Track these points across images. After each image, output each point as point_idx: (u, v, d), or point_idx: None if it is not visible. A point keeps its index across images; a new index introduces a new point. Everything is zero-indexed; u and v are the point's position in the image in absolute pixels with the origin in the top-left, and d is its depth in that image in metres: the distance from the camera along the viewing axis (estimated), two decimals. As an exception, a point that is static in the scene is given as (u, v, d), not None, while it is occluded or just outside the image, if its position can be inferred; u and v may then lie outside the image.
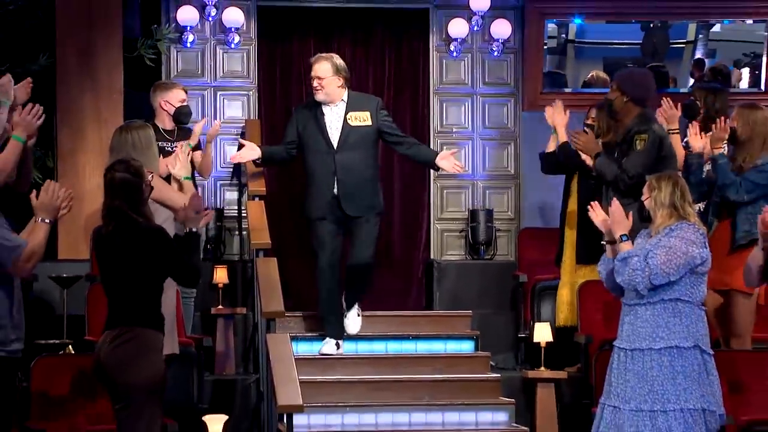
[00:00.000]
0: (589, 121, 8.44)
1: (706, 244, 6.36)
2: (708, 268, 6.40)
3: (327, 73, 7.86)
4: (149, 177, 6.20)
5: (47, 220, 5.69)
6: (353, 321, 7.99)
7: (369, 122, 7.93)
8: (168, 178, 6.89)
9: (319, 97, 7.88)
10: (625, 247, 6.27)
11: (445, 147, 10.14)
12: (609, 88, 8.06)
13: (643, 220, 6.63)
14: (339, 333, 7.86)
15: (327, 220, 7.85)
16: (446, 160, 8.00)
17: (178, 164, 7.05)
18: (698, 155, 7.45)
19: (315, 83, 7.88)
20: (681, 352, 6.31)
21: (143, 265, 5.98)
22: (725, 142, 7.51)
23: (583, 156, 7.91)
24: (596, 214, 6.42)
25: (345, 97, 8.00)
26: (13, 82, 6.40)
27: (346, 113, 7.92)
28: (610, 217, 6.37)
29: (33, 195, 5.70)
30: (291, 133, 8.10)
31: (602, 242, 6.59)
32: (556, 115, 8.40)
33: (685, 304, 6.34)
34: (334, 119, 7.94)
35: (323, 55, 8.06)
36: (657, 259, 6.13)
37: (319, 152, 7.88)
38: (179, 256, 6.00)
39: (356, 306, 8.08)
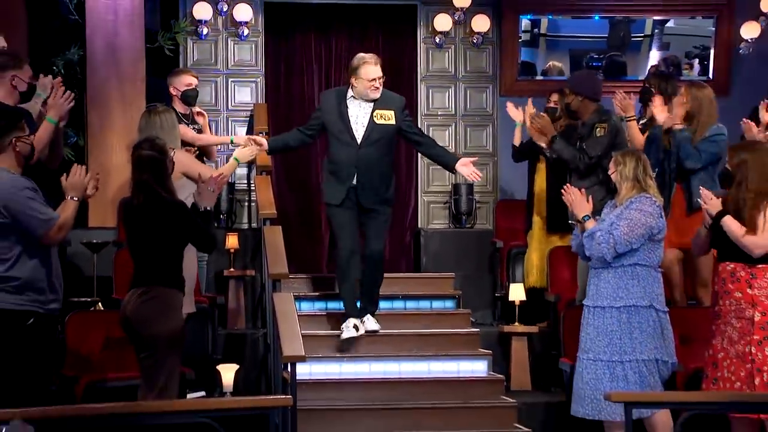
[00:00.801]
0: (551, 104, 8.54)
1: (662, 214, 6.49)
2: (663, 236, 6.52)
3: (382, 73, 7.39)
4: (171, 153, 6.28)
5: (75, 198, 5.75)
6: (370, 322, 7.37)
7: (393, 121, 7.41)
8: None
9: (376, 95, 7.34)
10: (589, 225, 6.45)
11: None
12: (564, 76, 8.13)
13: (609, 192, 6.74)
14: (356, 312, 7.38)
15: (345, 206, 7.39)
16: (466, 167, 7.53)
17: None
18: (661, 127, 7.49)
19: (378, 83, 7.32)
20: (638, 311, 6.44)
21: (166, 233, 6.08)
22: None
23: (536, 138, 8.03)
24: (568, 196, 6.56)
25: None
26: (51, 80, 6.48)
27: (373, 110, 7.37)
28: (572, 201, 6.59)
29: (63, 177, 5.77)
30: (315, 120, 7.59)
31: (569, 221, 6.73)
32: (515, 113, 8.80)
33: (642, 268, 6.46)
34: (360, 114, 7.39)
35: (373, 54, 7.51)
36: (620, 231, 6.32)
37: (343, 143, 7.37)
38: (199, 226, 6.09)
39: (372, 315, 7.46)
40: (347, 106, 7.37)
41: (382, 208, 7.48)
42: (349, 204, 7.38)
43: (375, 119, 7.33)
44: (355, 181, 7.31)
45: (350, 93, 7.43)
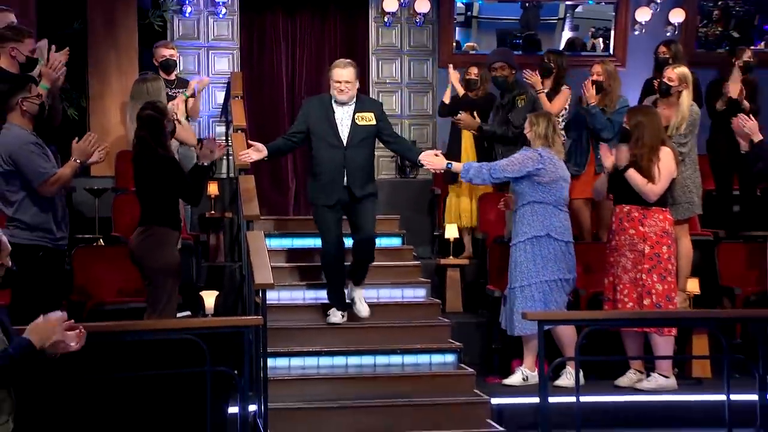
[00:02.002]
0: (470, 77, 8.56)
1: (544, 162, 6.59)
2: (552, 179, 6.62)
3: (351, 77, 6.80)
4: (173, 117, 6.40)
5: (78, 161, 5.75)
6: (362, 305, 6.92)
7: (373, 122, 6.89)
8: None
9: (343, 98, 6.80)
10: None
11: (381, 94, 10.29)
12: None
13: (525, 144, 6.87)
14: (344, 305, 6.96)
15: (333, 207, 6.85)
16: (427, 157, 6.97)
17: (178, 111, 7.49)
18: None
19: (342, 86, 6.76)
20: (538, 240, 6.60)
21: (157, 182, 6.12)
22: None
23: (466, 129, 8.34)
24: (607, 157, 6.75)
25: (354, 99, 6.91)
26: (46, 45, 6.43)
27: (354, 113, 6.86)
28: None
29: (75, 140, 5.78)
30: (300, 125, 6.95)
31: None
32: (452, 75, 8.77)
33: (539, 205, 6.63)
34: (344, 117, 6.85)
35: (347, 61, 6.98)
36: (500, 162, 6.77)
37: (329, 146, 6.80)
38: (185, 181, 6.15)
39: (362, 289, 7.01)
40: (333, 111, 6.87)
41: (370, 198, 6.97)
42: (338, 205, 6.87)
43: (357, 121, 6.85)
44: (345, 181, 6.79)
45: (333, 98, 6.91)
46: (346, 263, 7.05)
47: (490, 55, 8.57)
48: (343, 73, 6.80)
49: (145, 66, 8.97)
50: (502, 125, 7.88)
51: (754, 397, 5.62)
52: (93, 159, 5.91)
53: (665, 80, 7.25)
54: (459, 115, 8.09)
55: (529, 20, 10.68)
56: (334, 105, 6.87)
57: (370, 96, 10.19)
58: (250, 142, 7.12)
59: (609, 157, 6.61)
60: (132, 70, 9.18)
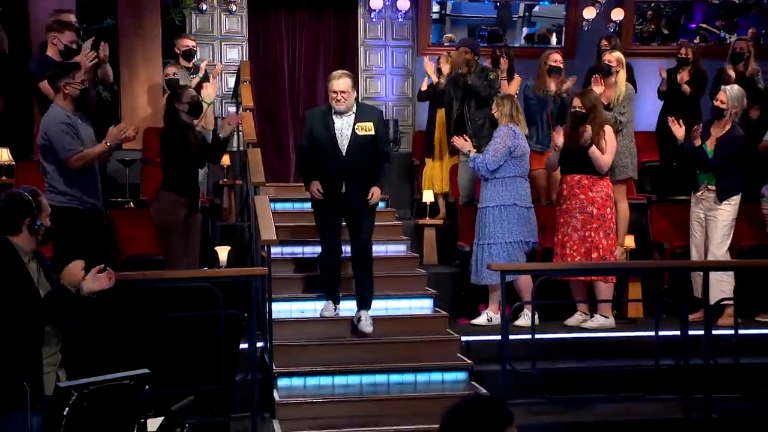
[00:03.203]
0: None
1: (517, 136, 6.68)
2: (522, 152, 6.71)
3: (347, 87, 6.13)
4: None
5: (108, 144, 5.73)
6: (367, 323, 6.19)
7: (372, 131, 6.19)
8: None
9: (341, 108, 6.12)
10: (472, 154, 6.77)
11: (368, 80, 10.27)
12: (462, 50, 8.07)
13: (492, 124, 6.92)
14: (337, 298, 6.42)
15: (332, 211, 6.26)
16: (460, 140, 6.85)
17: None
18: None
19: (339, 96, 6.08)
20: (506, 208, 6.59)
21: (165, 153, 6.32)
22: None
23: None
24: (457, 142, 6.99)
25: (354, 109, 6.23)
26: (89, 43, 6.43)
27: (354, 123, 6.16)
28: (461, 145, 6.94)
29: (112, 126, 5.82)
30: (306, 138, 6.31)
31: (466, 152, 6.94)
32: (429, 66, 8.69)
33: (510, 179, 6.69)
34: (344, 127, 6.16)
35: (344, 72, 6.34)
36: (488, 155, 6.63)
37: (330, 155, 6.16)
38: (189, 152, 6.21)
39: (368, 311, 6.29)
40: (333, 121, 6.18)
41: (370, 208, 6.32)
42: (336, 210, 6.27)
43: (357, 131, 6.15)
44: (344, 189, 6.17)
45: (332, 108, 6.21)
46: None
47: (458, 43, 8.56)
48: (339, 84, 6.12)
49: (168, 55, 8.89)
50: (484, 83, 7.72)
51: (678, 332, 5.72)
52: (125, 142, 5.94)
53: (606, 62, 7.36)
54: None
55: (503, 18, 10.61)
56: (334, 115, 6.20)
57: (358, 80, 10.16)
58: (313, 188, 6.23)
59: (560, 137, 6.60)
60: (156, 59, 9.11)
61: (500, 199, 6.61)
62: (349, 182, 6.17)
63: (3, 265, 3.94)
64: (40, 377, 3.92)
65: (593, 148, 6.45)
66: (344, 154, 6.16)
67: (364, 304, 6.32)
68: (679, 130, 6.88)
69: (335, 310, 6.41)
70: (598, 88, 7.04)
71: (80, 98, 5.83)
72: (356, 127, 6.17)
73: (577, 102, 6.61)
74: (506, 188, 6.62)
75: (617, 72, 7.27)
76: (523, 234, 6.62)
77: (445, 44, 10.24)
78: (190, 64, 8.40)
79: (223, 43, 10.04)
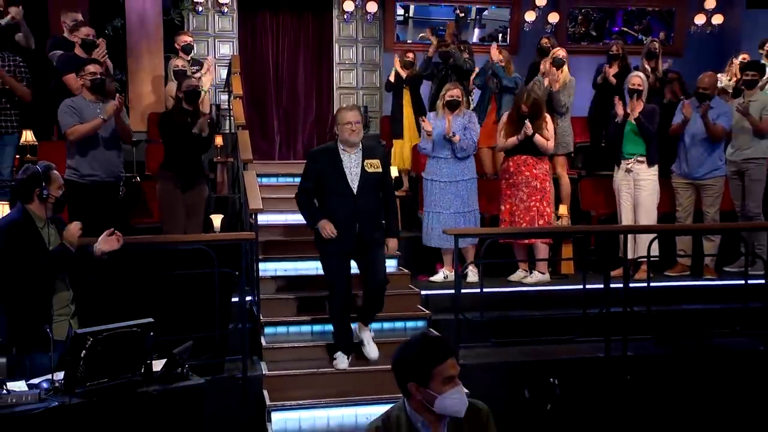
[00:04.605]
0: (409, 58, 8.50)
1: (475, 121, 6.71)
2: (477, 133, 6.71)
3: (359, 118, 5.21)
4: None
5: (103, 118, 5.74)
6: (371, 347, 5.38)
7: (380, 169, 5.21)
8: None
9: (355, 139, 5.11)
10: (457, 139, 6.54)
11: (342, 72, 10.18)
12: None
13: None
14: (350, 348, 5.37)
15: (342, 251, 5.19)
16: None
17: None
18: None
19: (353, 126, 5.09)
20: (474, 181, 6.57)
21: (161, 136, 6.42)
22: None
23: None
24: (426, 126, 6.58)
25: (360, 145, 5.22)
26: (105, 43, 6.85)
27: (363, 160, 5.17)
28: (429, 130, 6.57)
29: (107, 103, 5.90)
30: (312, 181, 5.21)
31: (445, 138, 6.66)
32: (396, 62, 8.59)
33: (470, 157, 6.65)
34: (353, 165, 5.14)
35: (354, 105, 5.67)
36: (475, 136, 6.61)
37: (340, 195, 5.13)
38: (175, 137, 6.22)
39: (370, 329, 5.47)
40: (341, 159, 5.16)
41: (380, 244, 5.31)
42: (347, 251, 5.22)
43: (366, 168, 5.16)
44: (357, 228, 5.16)
45: (340, 147, 5.19)
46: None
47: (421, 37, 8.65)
48: (353, 114, 5.17)
49: (169, 50, 8.79)
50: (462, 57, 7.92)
51: (601, 286, 5.77)
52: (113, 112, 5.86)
53: (560, 57, 7.56)
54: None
55: (459, 21, 10.54)
56: (342, 153, 5.17)
57: (333, 75, 10.13)
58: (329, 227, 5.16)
59: (529, 128, 6.50)
60: (159, 53, 9.05)
61: (469, 174, 6.57)
62: (361, 223, 5.16)
63: (17, 229, 3.99)
64: (50, 324, 3.91)
65: (537, 136, 6.46)
66: (356, 193, 5.14)
67: (366, 321, 5.46)
68: (621, 109, 6.87)
69: (348, 359, 5.36)
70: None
71: (94, 87, 5.84)
72: (365, 164, 5.17)
73: (523, 107, 6.57)
74: (457, 163, 6.61)
75: (564, 63, 7.52)
76: (467, 204, 6.58)
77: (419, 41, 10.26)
78: (188, 58, 8.31)
79: (216, 40, 9.96)
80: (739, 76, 7.92)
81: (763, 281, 6.01)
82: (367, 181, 5.15)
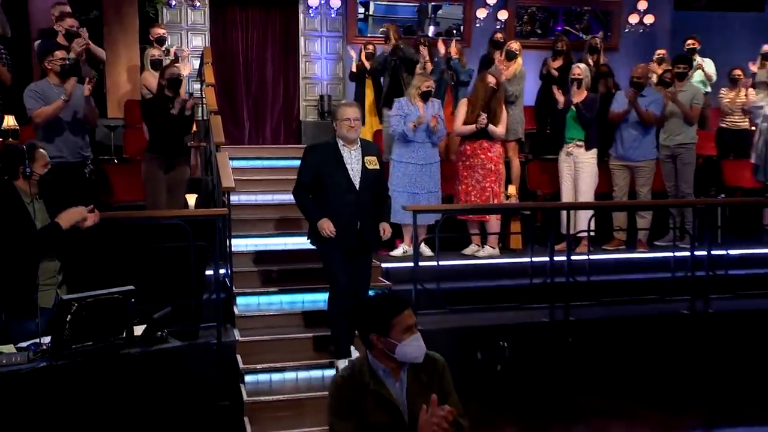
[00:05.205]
0: (369, 50, 8.54)
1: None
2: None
3: (358, 115, 4.82)
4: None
5: (64, 98, 5.66)
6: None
7: (377, 166, 4.86)
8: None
9: (353, 135, 4.76)
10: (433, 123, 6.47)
11: (308, 63, 10.12)
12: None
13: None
14: (348, 353, 4.93)
15: (342, 248, 4.79)
16: (384, 229, 4.90)
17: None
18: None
19: (352, 123, 4.74)
20: (439, 164, 6.59)
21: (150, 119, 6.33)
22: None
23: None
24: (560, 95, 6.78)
25: (359, 141, 4.88)
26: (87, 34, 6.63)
27: (362, 156, 4.81)
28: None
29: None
30: (310, 175, 4.79)
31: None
32: (354, 54, 8.75)
33: (433, 143, 6.63)
34: (353, 162, 4.77)
35: (353, 102, 5.11)
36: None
37: (343, 191, 4.74)
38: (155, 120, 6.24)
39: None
40: (341, 155, 4.77)
41: (372, 247, 5.05)
42: (349, 244, 4.80)
43: (366, 165, 4.80)
44: (359, 225, 4.80)
45: (340, 142, 4.81)
46: None
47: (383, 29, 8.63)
48: (353, 111, 4.82)
49: (144, 41, 8.67)
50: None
51: (546, 258, 5.85)
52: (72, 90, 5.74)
53: (512, 49, 7.66)
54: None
55: (421, 18, 10.58)
56: (342, 149, 4.80)
57: (299, 66, 10.07)
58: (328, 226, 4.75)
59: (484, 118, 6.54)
60: (134, 44, 8.91)
61: (423, 157, 6.56)
62: (363, 218, 4.81)
63: (3, 204, 3.93)
64: (36, 293, 3.89)
65: (491, 126, 6.51)
66: (358, 189, 4.78)
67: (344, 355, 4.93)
68: (560, 97, 6.97)
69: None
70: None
71: (62, 72, 5.74)
72: (365, 160, 4.82)
73: (491, 80, 6.59)
74: (431, 148, 6.60)
75: (517, 55, 7.64)
76: (428, 185, 6.55)
77: (368, 35, 10.24)
78: (163, 49, 8.21)
79: (189, 32, 9.81)
80: (660, 71, 8.08)
81: (688, 253, 6.17)
82: (367, 178, 4.80)
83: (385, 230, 4.91)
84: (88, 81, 5.81)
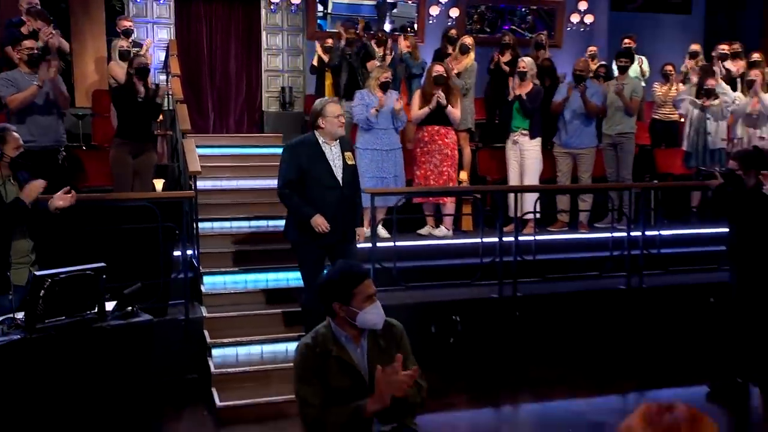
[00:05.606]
0: (328, 44, 8.47)
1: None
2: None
3: (343, 112, 4.70)
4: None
5: (38, 84, 5.55)
6: None
7: (353, 162, 4.69)
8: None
9: (342, 131, 4.59)
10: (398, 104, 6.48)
11: (269, 56, 10.03)
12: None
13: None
14: None
15: (321, 246, 4.59)
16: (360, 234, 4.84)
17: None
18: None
19: (342, 119, 4.57)
20: (401, 151, 6.61)
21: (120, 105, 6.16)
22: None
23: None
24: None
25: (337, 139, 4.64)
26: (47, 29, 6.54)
27: (342, 152, 4.62)
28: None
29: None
30: (295, 173, 4.51)
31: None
32: (318, 49, 8.55)
33: (395, 130, 6.60)
34: (335, 157, 4.56)
35: (335, 98, 4.95)
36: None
37: (326, 187, 4.53)
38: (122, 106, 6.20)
39: None
40: (323, 151, 4.56)
41: (354, 238, 4.79)
42: (328, 241, 4.56)
43: (347, 161, 4.62)
44: (338, 220, 4.57)
45: (321, 139, 4.58)
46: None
47: (339, 25, 8.57)
48: (339, 108, 4.64)
49: (111, 33, 8.51)
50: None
51: (495, 239, 5.93)
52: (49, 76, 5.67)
53: (465, 44, 7.63)
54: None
55: (380, 15, 10.54)
56: (323, 145, 4.57)
57: (261, 59, 9.98)
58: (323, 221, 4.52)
59: (434, 100, 6.54)
60: (101, 36, 8.76)
61: (387, 143, 6.54)
62: (344, 213, 4.62)
63: None
64: (9, 270, 3.84)
65: (449, 107, 6.56)
66: (342, 184, 4.59)
67: None
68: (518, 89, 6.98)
69: None
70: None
71: (30, 61, 5.64)
72: (345, 156, 4.63)
73: (439, 69, 6.61)
74: (392, 135, 6.58)
75: (470, 49, 7.65)
76: (389, 171, 6.54)
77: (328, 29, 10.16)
78: (130, 40, 8.06)
79: (155, 26, 9.62)
80: (594, 66, 8.24)
81: (625, 234, 6.33)
82: (348, 174, 4.61)
83: (360, 236, 4.76)
84: (53, 65, 5.70)
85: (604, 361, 5.66)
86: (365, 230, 4.75)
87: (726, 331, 5.12)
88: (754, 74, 7.43)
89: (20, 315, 3.45)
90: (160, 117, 7.89)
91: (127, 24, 8.03)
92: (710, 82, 7.38)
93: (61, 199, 4.09)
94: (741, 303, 4.97)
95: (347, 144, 4.75)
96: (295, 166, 4.52)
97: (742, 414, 4.82)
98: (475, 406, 4.96)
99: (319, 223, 4.49)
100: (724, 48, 8.37)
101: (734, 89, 7.88)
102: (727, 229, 5.16)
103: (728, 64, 8.26)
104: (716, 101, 7.32)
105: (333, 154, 4.59)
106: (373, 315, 2.77)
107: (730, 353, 5.06)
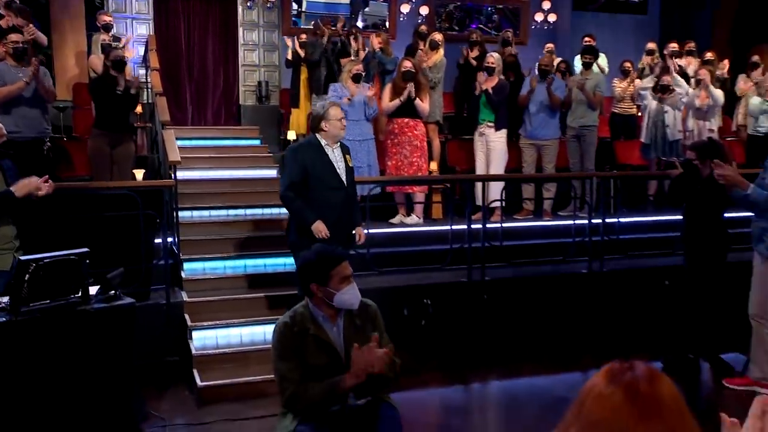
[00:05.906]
0: (303, 39, 8.42)
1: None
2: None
3: (343, 114, 4.55)
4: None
5: (25, 80, 5.46)
6: None
7: (352, 163, 4.57)
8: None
9: (343, 134, 4.48)
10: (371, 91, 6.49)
11: (246, 52, 9.95)
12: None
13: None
14: None
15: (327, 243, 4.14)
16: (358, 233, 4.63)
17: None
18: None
19: (343, 123, 4.45)
20: (374, 142, 6.60)
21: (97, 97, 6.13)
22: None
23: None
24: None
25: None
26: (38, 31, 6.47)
27: (344, 155, 4.50)
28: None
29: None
30: (300, 174, 4.33)
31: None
32: (289, 43, 8.52)
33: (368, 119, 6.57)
34: (337, 159, 4.44)
35: (336, 102, 4.86)
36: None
37: (332, 188, 4.38)
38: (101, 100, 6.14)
39: None
40: (326, 153, 4.41)
41: (354, 240, 4.62)
42: (336, 241, 4.20)
43: (348, 163, 4.51)
44: (343, 221, 4.47)
45: (323, 141, 4.43)
46: None
47: (316, 22, 8.63)
48: (341, 111, 4.50)
49: (90, 28, 8.37)
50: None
51: (464, 226, 5.96)
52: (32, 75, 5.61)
53: (435, 40, 7.63)
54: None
55: (354, 11, 10.52)
56: (326, 148, 4.43)
57: (238, 54, 9.90)
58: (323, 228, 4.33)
59: (405, 94, 6.54)
60: (81, 30, 8.64)
61: (359, 134, 6.47)
62: (348, 213, 4.50)
63: None
64: None
65: (418, 100, 6.57)
66: (345, 185, 4.46)
67: None
68: (486, 84, 7.01)
69: None
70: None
71: (16, 55, 5.54)
72: (347, 158, 4.52)
73: (407, 64, 6.62)
74: (364, 125, 6.54)
75: (440, 45, 7.65)
76: (363, 161, 6.47)
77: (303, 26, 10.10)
78: (110, 35, 7.94)
79: (134, 21, 9.50)
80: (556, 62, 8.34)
81: (586, 221, 6.42)
82: (350, 175, 4.50)
83: (360, 236, 4.63)
84: (34, 63, 5.61)
85: (568, 340, 5.75)
86: (363, 231, 4.67)
87: (679, 311, 5.23)
88: (703, 73, 7.65)
89: (5, 299, 3.40)
90: (139, 108, 7.83)
91: (107, 18, 7.93)
92: (666, 79, 7.51)
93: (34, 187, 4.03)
94: (693, 285, 5.08)
95: (346, 146, 4.62)
96: (299, 168, 4.35)
97: (694, 386, 4.94)
98: (446, 384, 5.01)
99: (320, 229, 4.32)
100: (674, 46, 8.53)
101: (687, 83, 8.03)
102: (681, 216, 5.26)
103: (681, 60, 8.41)
104: (672, 94, 7.47)
105: (335, 156, 4.46)
106: (349, 296, 2.79)
107: (682, 331, 5.18)
